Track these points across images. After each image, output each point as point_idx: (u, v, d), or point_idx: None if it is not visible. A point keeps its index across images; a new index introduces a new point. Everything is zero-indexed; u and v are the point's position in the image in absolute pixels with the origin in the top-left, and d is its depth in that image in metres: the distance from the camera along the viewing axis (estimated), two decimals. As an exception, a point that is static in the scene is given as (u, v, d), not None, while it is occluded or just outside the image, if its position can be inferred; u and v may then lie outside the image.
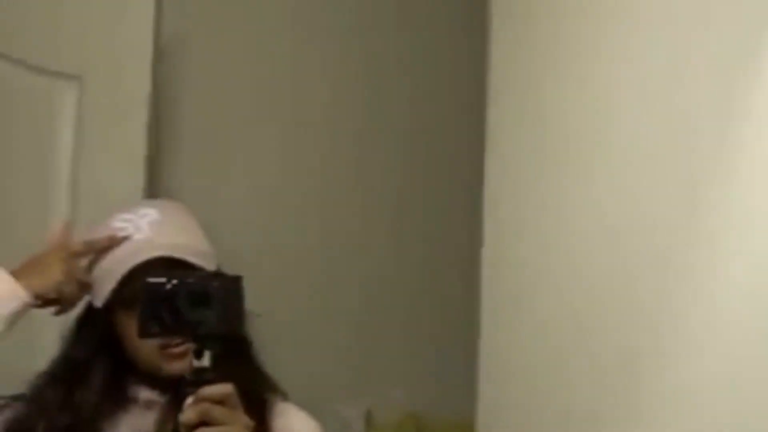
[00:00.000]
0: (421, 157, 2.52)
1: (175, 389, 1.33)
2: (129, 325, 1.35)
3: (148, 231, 1.39)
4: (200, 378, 1.14)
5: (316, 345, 2.37)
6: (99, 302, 1.38)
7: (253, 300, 1.45)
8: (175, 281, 1.16)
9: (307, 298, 2.41)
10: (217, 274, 1.26)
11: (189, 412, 1.12)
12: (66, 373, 1.40)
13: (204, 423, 1.12)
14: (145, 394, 1.41)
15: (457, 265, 2.31)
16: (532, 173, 1.60)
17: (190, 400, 1.13)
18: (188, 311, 1.15)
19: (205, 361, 1.15)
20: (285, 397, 1.47)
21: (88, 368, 1.40)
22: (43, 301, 1.36)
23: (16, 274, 1.35)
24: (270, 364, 1.49)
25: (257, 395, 1.41)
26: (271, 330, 1.48)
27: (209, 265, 1.40)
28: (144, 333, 1.18)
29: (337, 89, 2.47)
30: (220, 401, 1.13)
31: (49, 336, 1.52)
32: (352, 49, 2.47)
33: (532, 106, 1.62)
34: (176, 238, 1.40)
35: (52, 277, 1.35)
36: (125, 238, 1.38)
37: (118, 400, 1.41)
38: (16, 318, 1.34)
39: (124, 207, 1.47)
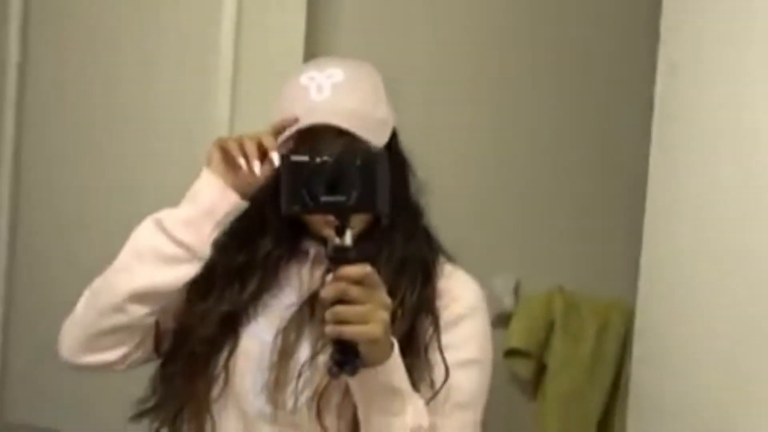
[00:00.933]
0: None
1: None
2: None
3: (328, 93, 1.37)
4: (340, 256, 1.15)
5: (472, 217, 2.37)
6: (272, 149, 1.37)
7: (420, 169, 1.48)
8: (315, 160, 1.16)
9: (471, 171, 2.40)
10: (361, 152, 1.23)
11: (326, 290, 1.15)
12: (243, 219, 1.42)
13: (342, 301, 1.14)
14: (315, 249, 1.43)
15: (625, 147, 2.25)
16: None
17: (329, 277, 1.16)
18: (325, 194, 1.15)
19: (347, 239, 1.15)
20: (451, 260, 1.47)
21: (264, 216, 1.42)
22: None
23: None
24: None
25: (423, 256, 1.43)
26: (433, 199, 1.49)
27: (380, 137, 1.38)
28: (286, 211, 1.19)
29: None
30: (358, 281, 1.14)
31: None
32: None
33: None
34: (354, 104, 1.38)
35: (243, 175, 1.35)
36: (295, 120, 1.36)
37: (292, 249, 1.44)
38: (228, 217, 1.37)
39: (314, 62, 1.47)
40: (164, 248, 1.35)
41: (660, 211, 1.59)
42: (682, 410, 1.41)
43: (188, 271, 1.36)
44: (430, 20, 2.34)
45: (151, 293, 1.35)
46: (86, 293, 1.40)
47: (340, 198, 1.15)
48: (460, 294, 1.43)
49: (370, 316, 1.15)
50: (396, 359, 1.23)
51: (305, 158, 1.17)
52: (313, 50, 2.09)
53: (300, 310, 1.39)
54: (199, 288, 1.39)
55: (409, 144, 1.48)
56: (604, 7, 2.44)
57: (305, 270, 1.44)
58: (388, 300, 1.19)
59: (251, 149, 1.34)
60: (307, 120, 1.35)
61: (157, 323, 1.41)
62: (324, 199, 1.15)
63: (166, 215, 1.36)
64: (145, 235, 1.37)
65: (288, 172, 1.18)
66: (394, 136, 1.44)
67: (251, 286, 1.41)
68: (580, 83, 2.43)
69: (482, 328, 1.43)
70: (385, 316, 1.17)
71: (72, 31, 2.17)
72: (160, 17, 2.10)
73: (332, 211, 1.16)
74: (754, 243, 1.28)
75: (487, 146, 2.42)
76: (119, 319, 1.36)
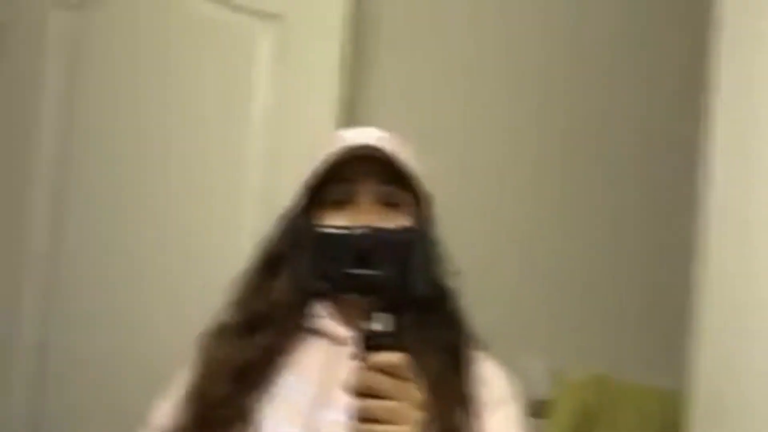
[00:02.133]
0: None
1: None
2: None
3: (367, 139, 1.35)
4: (372, 342, 1.05)
5: (511, 297, 2.33)
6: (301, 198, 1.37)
7: (454, 252, 1.43)
8: (347, 233, 1.11)
9: (515, 253, 2.36)
10: (393, 229, 1.18)
11: (353, 379, 1.05)
12: (265, 264, 1.39)
13: (369, 394, 1.05)
14: (330, 326, 1.36)
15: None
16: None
17: (358, 364, 1.06)
18: (352, 266, 1.08)
19: (380, 324, 1.06)
20: (484, 347, 1.41)
21: (282, 262, 1.37)
22: None
23: None
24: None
25: (455, 345, 1.37)
26: (472, 282, 1.42)
27: (423, 188, 1.37)
28: (310, 284, 1.13)
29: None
30: (389, 372, 1.05)
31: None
32: None
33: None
34: (396, 150, 1.36)
35: None
36: None
37: (305, 315, 1.37)
38: None
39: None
40: None
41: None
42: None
43: None
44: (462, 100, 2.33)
45: None
46: None
47: (370, 272, 1.08)
48: (490, 379, 1.36)
49: (402, 414, 1.05)
50: None
51: (338, 231, 1.12)
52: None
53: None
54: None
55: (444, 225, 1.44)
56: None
57: (321, 352, 1.35)
58: (419, 395, 1.09)
59: None
60: (341, 152, 1.32)
61: None
62: (351, 270, 1.08)
63: None
64: None
65: (318, 243, 1.12)
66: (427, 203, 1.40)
67: (264, 340, 1.33)
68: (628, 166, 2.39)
69: (519, 416, 1.37)
70: (417, 415, 1.07)
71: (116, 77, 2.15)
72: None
73: (361, 285, 1.09)
74: None
75: (533, 223, 2.38)
76: None
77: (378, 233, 1.11)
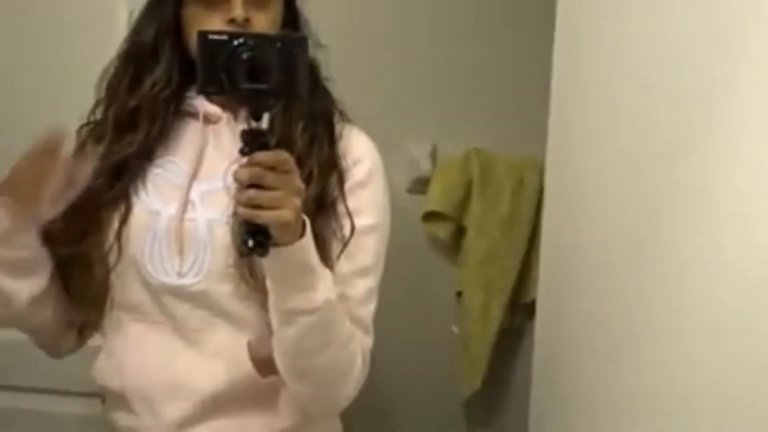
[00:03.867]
0: None
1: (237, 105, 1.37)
2: (194, 20, 1.36)
3: None
4: (256, 141, 1.13)
5: (387, 80, 2.37)
6: None
7: (327, 34, 1.45)
8: (233, 42, 1.12)
9: (385, 36, 2.38)
10: (281, 36, 1.20)
11: (240, 173, 1.14)
12: (133, 56, 1.42)
13: (255, 185, 1.13)
14: (206, 107, 1.43)
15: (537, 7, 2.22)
16: None
17: (244, 160, 1.14)
18: (245, 80, 1.11)
19: (263, 123, 1.13)
20: (348, 119, 1.49)
21: (155, 52, 1.41)
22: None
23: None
24: (341, 94, 1.50)
25: (327, 116, 1.45)
26: (343, 61, 1.47)
27: None
28: (202, 90, 1.16)
29: None
30: (273, 167, 1.13)
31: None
32: None
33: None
34: None
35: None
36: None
37: (180, 97, 1.43)
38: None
39: None
40: None
41: (567, 71, 1.59)
42: (593, 258, 1.45)
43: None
44: None
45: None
46: None
47: (261, 86, 1.11)
48: (359, 157, 1.44)
49: (284, 202, 1.15)
50: (308, 238, 1.24)
51: (224, 37, 1.12)
52: None
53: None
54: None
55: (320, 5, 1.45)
56: None
57: (196, 132, 1.43)
58: (301, 185, 1.18)
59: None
60: None
61: None
62: (244, 86, 1.11)
63: None
64: None
65: (205, 50, 1.13)
66: None
67: (140, 134, 1.40)
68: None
69: (381, 193, 1.46)
70: (298, 201, 1.17)
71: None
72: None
73: (252, 97, 1.13)
74: (655, 95, 1.29)
75: (403, 11, 2.39)
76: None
77: (266, 44, 1.12)
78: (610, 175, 1.37)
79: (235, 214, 1.30)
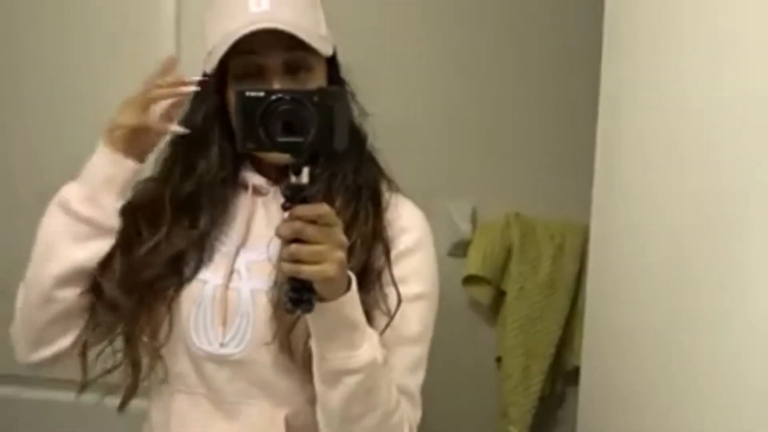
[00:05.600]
0: None
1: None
2: None
3: (266, 5, 1.33)
4: (296, 195, 1.13)
5: (428, 145, 2.38)
6: (209, 69, 1.36)
7: (370, 100, 1.47)
8: (271, 97, 1.12)
9: (428, 99, 2.40)
10: (318, 90, 1.18)
11: (283, 228, 1.12)
12: (185, 143, 1.42)
13: (298, 240, 1.12)
14: (255, 179, 1.43)
15: (580, 77, 2.22)
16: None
17: (286, 215, 1.13)
18: (281, 134, 1.11)
19: (303, 178, 1.13)
20: (396, 188, 1.47)
21: (206, 135, 1.41)
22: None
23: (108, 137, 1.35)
24: (384, 161, 1.49)
25: (373, 185, 1.44)
26: (388, 128, 1.47)
27: (325, 49, 1.37)
28: (242, 147, 1.15)
29: None
30: (314, 220, 1.12)
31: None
32: None
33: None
34: (296, 16, 1.35)
35: (145, 139, 1.36)
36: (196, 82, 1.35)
37: (235, 177, 1.44)
38: (129, 184, 1.37)
39: None
40: (73, 228, 1.34)
41: (609, 135, 1.59)
42: (638, 326, 1.42)
43: (102, 245, 1.36)
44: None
45: (74, 274, 1.35)
46: (20, 293, 1.39)
47: (297, 139, 1.11)
48: (407, 226, 1.43)
49: (327, 256, 1.13)
50: (353, 294, 1.22)
51: (261, 94, 1.12)
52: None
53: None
54: (139, 228, 1.39)
55: (363, 72, 1.45)
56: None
57: (246, 202, 1.44)
58: (344, 238, 1.17)
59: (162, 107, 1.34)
60: (251, 28, 1.31)
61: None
62: (281, 139, 1.11)
63: (68, 196, 1.35)
64: (53, 222, 1.36)
65: (242, 108, 1.13)
66: (334, 60, 1.43)
67: (203, 222, 1.41)
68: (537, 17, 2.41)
69: (429, 262, 1.44)
70: (341, 255, 1.15)
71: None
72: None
73: (289, 151, 1.13)
74: (698, 153, 1.27)
75: (444, 73, 2.40)
76: (54, 308, 1.36)
77: (299, 96, 1.12)
78: (654, 244, 1.35)
79: (276, 281, 1.29)
